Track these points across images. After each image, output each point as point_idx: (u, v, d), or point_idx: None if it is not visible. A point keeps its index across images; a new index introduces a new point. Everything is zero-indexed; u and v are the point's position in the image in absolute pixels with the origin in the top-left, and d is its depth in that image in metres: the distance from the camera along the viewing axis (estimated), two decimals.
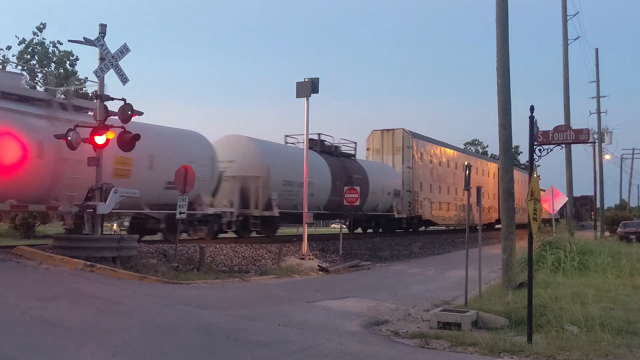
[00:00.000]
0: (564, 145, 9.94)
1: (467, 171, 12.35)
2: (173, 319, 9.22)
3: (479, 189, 13.00)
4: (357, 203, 25.26)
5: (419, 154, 37.21)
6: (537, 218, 9.13)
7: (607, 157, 48.99)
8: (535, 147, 9.31)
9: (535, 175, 8.94)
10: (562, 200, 23.91)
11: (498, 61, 14.29)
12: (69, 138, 13.62)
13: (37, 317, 8.43)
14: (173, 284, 12.89)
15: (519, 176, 71.23)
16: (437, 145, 41.67)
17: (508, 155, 14.17)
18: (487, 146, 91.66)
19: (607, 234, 42.41)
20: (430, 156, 39.40)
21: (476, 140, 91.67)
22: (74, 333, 7.86)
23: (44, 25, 37.88)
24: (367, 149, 37.40)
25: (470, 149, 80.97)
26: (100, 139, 13.53)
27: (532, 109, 9.22)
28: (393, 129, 36.51)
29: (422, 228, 41.99)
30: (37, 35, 37.90)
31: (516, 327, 10.41)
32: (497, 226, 61.76)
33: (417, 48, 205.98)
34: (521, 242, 19.65)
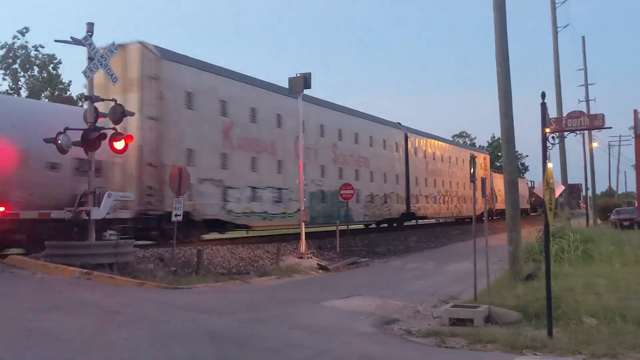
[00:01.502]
0: (578, 132, 9.66)
1: (473, 165, 12.01)
2: (179, 327, 8.82)
3: (483, 181, 12.67)
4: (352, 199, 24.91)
5: (182, 93, 19.42)
6: (552, 208, 8.86)
7: (594, 144, 49.05)
8: (547, 135, 9.01)
9: (548, 164, 8.63)
10: (559, 189, 23.65)
11: (497, 49, 14.04)
12: (60, 142, 13.14)
13: (36, 329, 7.99)
14: (173, 289, 12.47)
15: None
16: (241, 83, 22.71)
17: (511, 145, 13.89)
18: (475, 138, 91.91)
19: (598, 221, 42.49)
20: (223, 100, 21.27)
21: (464, 132, 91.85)
22: (77, 346, 7.43)
23: (27, 29, 37.13)
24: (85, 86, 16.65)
25: (458, 141, 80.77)
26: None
27: (543, 95, 8.94)
28: (125, 44, 18.21)
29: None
30: (19, 39, 37.15)
31: (530, 320, 10.15)
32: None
33: (401, 40, 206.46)
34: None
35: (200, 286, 13.18)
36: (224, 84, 21.41)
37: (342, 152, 29.24)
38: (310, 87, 20.30)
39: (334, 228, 24.86)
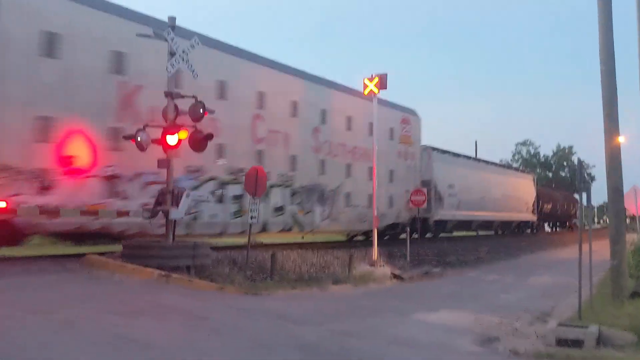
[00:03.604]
0: None
1: (579, 166, 10.98)
2: (269, 337, 8.22)
3: (588, 187, 11.61)
4: (425, 206, 24.01)
5: None
6: None
7: None
8: None
9: None
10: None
11: (601, 46, 13.02)
12: (139, 139, 12.80)
13: (123, 335, 7.52)
14: (253, 294, 11.88)
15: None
16: None
17: (615, 151, 12.79)
18: (539, 146, 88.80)
19: None
20: None
21: (528, 140, 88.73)
22: (169, 355, 6.90)
23: None
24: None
25: (522, 149, 78.22)
26: (172, 139, 12.64)
27: None
28: None
29: None
30: None
31: None
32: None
33: (459, 46, 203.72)
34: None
35: (278, 292, 12.58)
36: None
37: None
38: (386, 88, 19.49)
39: None
